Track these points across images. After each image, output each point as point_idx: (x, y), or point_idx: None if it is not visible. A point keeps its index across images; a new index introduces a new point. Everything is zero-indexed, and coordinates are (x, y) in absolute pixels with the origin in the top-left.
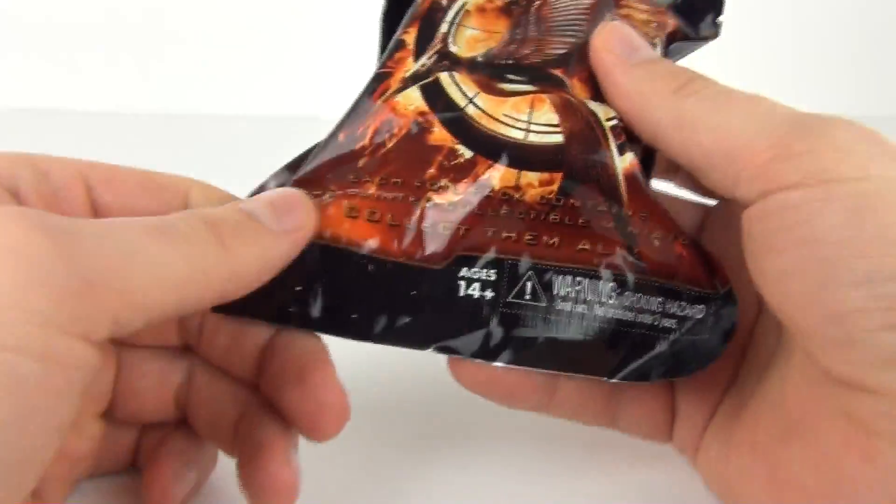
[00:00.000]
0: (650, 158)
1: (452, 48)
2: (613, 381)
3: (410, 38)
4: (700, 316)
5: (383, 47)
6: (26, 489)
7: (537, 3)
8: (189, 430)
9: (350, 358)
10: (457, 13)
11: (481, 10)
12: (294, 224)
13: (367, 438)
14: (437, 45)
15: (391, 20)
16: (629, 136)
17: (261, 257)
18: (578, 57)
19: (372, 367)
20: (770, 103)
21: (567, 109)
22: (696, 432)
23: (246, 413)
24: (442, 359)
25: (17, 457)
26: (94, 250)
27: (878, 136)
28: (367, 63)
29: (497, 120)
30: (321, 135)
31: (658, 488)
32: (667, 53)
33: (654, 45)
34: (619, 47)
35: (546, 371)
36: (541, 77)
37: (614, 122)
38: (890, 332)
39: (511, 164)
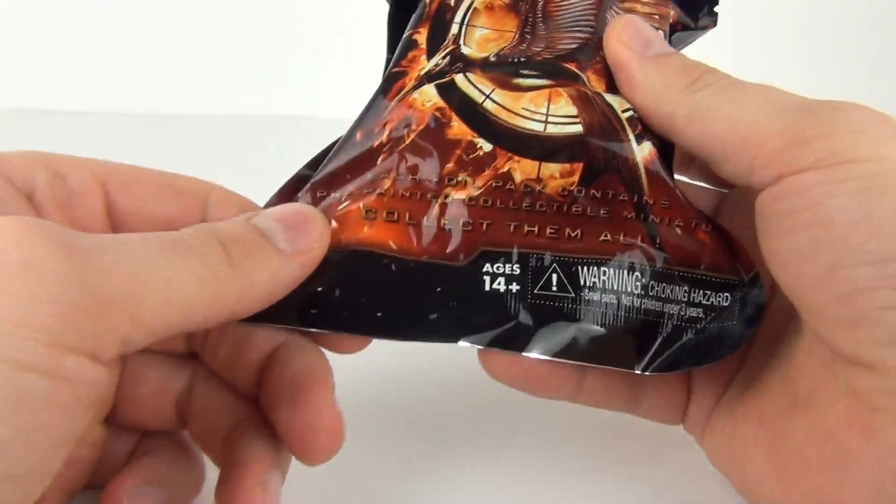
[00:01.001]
0: (670, 149)
1: (465, 49)
2: (647, 373)
3: (422, 37)
4: (726, 304)
5: (391, 49)
6: (31, 501)
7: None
8: (173, 447)
9: (352, 367)
10: (466, 13)
11: (489, 7)
12: (306, 245)
13: (368, 443)
14: (449, 46)
15: (397, 22)
16: (646, 128)
17: (271, 279)
18: (590, 51)
19: (372, 376)
20: (781, 92)
21: (584, 101)
22: (707, 410)
23: (239, 426)
24: (445, 362)
25: (22, 470)
26: (107, 268)
27: (891, 119)
28: (367, 63)
29: (515, 113)
30: (321, 135)
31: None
32: (669, 44)
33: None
34: (633, 41)
35: (576, 363)
36: (555, 71)
37: (630, 113)
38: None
39: (531, 156)
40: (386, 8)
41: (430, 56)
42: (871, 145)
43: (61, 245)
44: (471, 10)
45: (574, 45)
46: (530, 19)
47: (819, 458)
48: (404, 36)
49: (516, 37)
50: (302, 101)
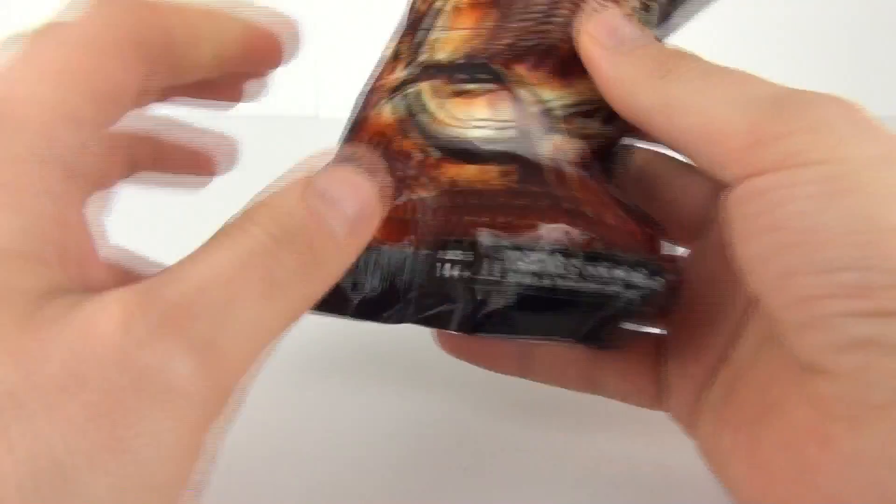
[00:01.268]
0: (613, 143)
1: (424, 56)
2: (577, 343)
3: (390, 50)
4: (640, 282)
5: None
6: None
7: None
8: None
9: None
10: (434, 19)
11: (458, 10)
12: (365, 234)
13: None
14: (412, 55)
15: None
16: (560, 119)
17: (333, 275)
18: (544, 47)
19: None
20: (755, 81)
21: (517, 105)
22: (688, 407)
23: None
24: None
25: None
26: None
27: (862, 113)
28: (368, 63)
29: (461, 124)
30: (321, 135)
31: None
32: (668, 15)
33: (648, 10)
34: (604, 37)
35: (515, 338)
36: (499, 74)
37: (573, 109)
38: (849, 319)
39: (474, 162)
40: (386, 8)
41: (407, 65)
42: (832, 145)
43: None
44: (442, 14)
45: (532, 42)
46: (497, 15)
47: (784, 468)
48: (383, 49)
49: (489, 33)
50: (302, 101)
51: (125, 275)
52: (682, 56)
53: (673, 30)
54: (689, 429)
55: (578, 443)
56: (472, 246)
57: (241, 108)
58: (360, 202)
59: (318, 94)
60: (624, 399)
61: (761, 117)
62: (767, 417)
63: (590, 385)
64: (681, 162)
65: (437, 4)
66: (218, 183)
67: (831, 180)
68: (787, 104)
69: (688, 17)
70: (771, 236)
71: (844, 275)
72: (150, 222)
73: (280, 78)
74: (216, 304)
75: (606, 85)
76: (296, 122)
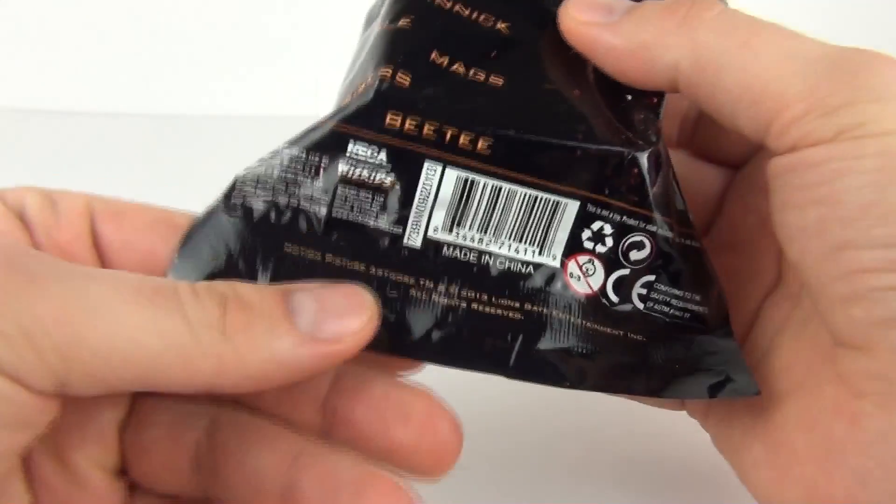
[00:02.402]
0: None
1: None
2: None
3: None
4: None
5: None
6: None
7: None
8: None
9: None
10: None
11: None
12: (334, 334)
13: None
14: None
15: None
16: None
17: (269, 362)
18: None
19: None
20: (801, 37)
21: None
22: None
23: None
24: None
25: None
26: (47, 298)
27: None
28: None
29: None
30: None
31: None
32: None
33: None
34: (594, 15)
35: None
36: None
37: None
38: None
39: None
40: None
41: None
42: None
43: (10, 268)
44: None
45: None
46: None
47: (807, 446)
48: None
49: None
50: (302, 101)
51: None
52: (698, 2)
53: None
54: (704, 418)
55: (582, 437)
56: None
57: (241, 109)
58: (344, 292)
59: (318, 94)
60: (654, 402)
61: (818, 81)
62: (791, 397)
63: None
64: (687, 157)
65: None
66: (218, 184)
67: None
68: (845, 67)
69: None
70: (824, 209)
71: None
72: None
73: (280, 78)
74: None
75: (619, 59)
76: (296, 122)
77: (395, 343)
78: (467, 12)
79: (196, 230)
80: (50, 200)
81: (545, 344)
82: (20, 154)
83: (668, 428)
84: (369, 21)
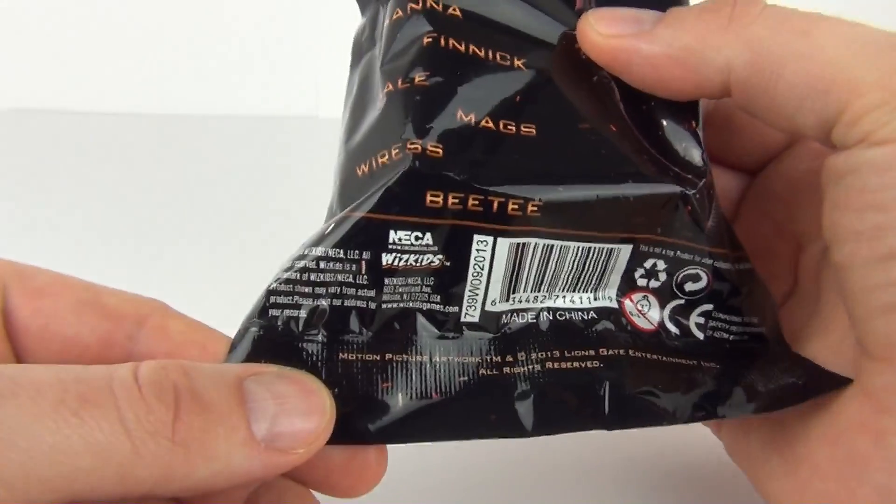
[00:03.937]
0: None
1: None
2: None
3: None
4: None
5: None
6: None
7: None
8: None
9: None
10: None
11: None
12: (290, 443)
13: None
14: None
15: None
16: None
17: (220, 473)
18: None
19: None
20: (865, 27)
21: None
22: None
23: None
24: None
25: None
26: None
27: None
28: None
29: None
30: (321, 135)
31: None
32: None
33: None
34: (621, 26)
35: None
36: None
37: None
38: None
39: None
40: None
41: None
42: None
43: None
44: None
45: None
46: None
47: (830, 461)
48: None
49: None
50: (302, 101)
51: None
52: (741, 1)
53: None
54: (717, 428)
55: (582, 437)
56: None
57: (241, 109)
58: (302, 393)
59: (318, 94)
60: None
61: (892, 70)
62: (813, 412)
63: None
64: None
65: None
66: (218, 183)
67: None
68: None
69: None
70: (882, 216)
71: None
72: (152, 223)
73: (280, 78)
74: None
75: (659, 68)
76: (296, 122)
77: (470, 427)
78: (482, 53)
79: (236, 356)
80: None
81: (632, 384)
82: (20, 154)
83: (668, 428)
84: (358, 51)
